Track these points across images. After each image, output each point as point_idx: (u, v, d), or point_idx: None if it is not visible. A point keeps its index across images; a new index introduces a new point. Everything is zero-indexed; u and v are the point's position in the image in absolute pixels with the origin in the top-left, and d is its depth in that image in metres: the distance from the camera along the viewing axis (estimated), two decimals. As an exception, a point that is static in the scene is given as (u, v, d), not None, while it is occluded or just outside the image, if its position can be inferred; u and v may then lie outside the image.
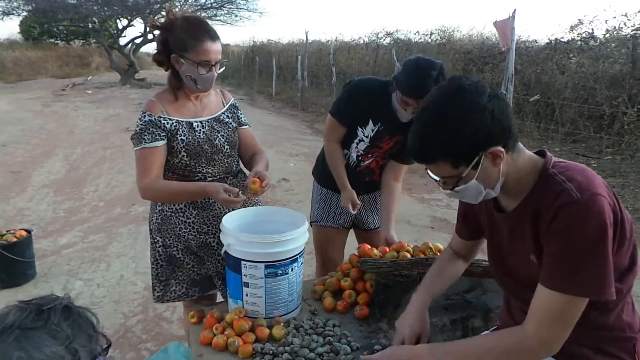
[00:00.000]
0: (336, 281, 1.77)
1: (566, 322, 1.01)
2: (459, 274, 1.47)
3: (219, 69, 1.70)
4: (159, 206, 1.81)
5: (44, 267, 3.44)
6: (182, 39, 1.62)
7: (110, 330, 2.67)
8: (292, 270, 1.57)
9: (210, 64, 1.65)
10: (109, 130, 9.01)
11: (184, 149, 1.70)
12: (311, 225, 2.24)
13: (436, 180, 1.12)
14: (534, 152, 1.13)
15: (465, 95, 1.02)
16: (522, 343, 1.04)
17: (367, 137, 2.03)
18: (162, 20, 1.69)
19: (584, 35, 8.01)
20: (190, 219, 1.79)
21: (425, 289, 1.37)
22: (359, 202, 2.08)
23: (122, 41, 21.20)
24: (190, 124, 1.73)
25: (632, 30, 7.31)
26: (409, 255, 1.77)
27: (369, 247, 1.83)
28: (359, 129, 2.02)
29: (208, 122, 1.77)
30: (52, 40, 26.61)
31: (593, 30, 7.91)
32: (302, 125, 10.06)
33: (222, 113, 1.83)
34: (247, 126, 1.94)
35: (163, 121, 1.68)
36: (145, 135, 1.66)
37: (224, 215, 1.65)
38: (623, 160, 5.91)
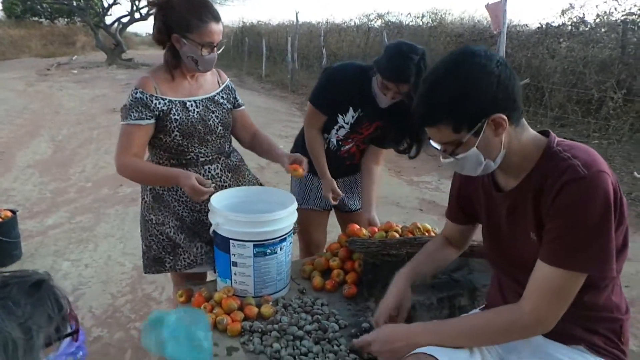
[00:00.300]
0: (325, 261, 1.78)
1: (565, 299, 1.01)
2: (449, 260, 1.46)
3: (219, 50, 1.68)
4: (150, 185, 1.80)
5: (30, 247, 3.41)
6: (185, 19, 1.58)
7: (99, 310, 2.67)
8: (280, 249, 1.58)
9: (213, 45, 1.62)
10: (96, 110, 8.87)
11: (177, 129, 1.68)
12: None
13: (437, 149, 1.11)
14: (538, 132, 1.12)
15: (474, 58, 1.02)
16: (518, 320, 1.04)
17: (347, 123, 2.01)
18: None
19: (574, 19, 8.02)
20: (183, 197, 1.77)
21: (411, 265, 1.38)
22: (340, 193, 2.08)
23: (108, 20, 20.80)
24: (184, 103, 1.70)
25: (622, 16, 7.34)
26: (397, 235, 1.78)
27: (358, 227, 1.83)
28: (340, 116, 2.00)
29: (202, 101, 1.75)
30: (36, 18, 25.98)
31: (584, 14, 7.94)
32: (292, 107, 10.00)
33: (217, 93, 1.81)
34: (243, 107, 1.92)
35: (155, 101, 1.65)
36: (132, 112, 1.63)
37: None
38: (610, 144, 5.97)
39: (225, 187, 1.80)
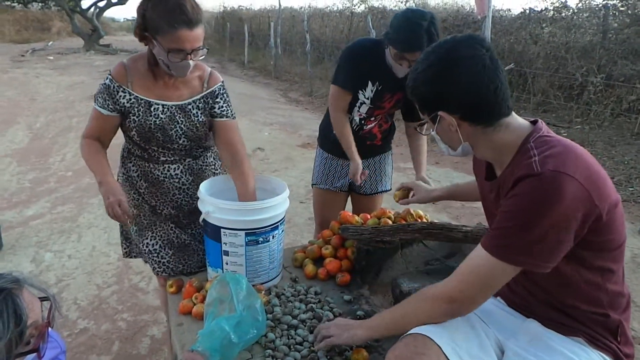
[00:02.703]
0: (317, 249, 1.76)
1: (485, 284, 1.01)
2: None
3: (199, 57, 1.51)
4: (145, 168, 1.72)
5: (10, 238, 3.32)
6: (155, 21, 1.43)
7: (84, 301, 2.61)
8: (273, 237, 1.55)
9: (185, 52, 1.46)
10: (74, 98, 8.64)
11: (135, 129, 1.61)
12: (312, 187, 2.31)
13: None
14: (530, 121, 1.09)
15: (451, 52, 1.03)
16: (438, 295, 1.07)
17: (367, 98, 2.00)
18: None
19: (557, 4, 8.06)
20: (185, 185, 1.73)
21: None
22: (366, 172, 2.05)
23: (84, 4, 20.15)
24: (149, 104, 1.59)
25: (603, 0, 7.40)
26: (390, 222, 1.77)
27: (350, 214, 1.82)
28: (360, 92, 1.99)
29: (170, 108, 1.60)
30: (8, 3, 25.03)
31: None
32: (276, 94, 9.89)
33: (191, 102, 1.63)
34: (226, 118, 1.68)
35: (121, 93, 1.57)
36: (99, 97, 1.60)
37: None
38: (591, 129, 6.05)
39: (183, 189, 1.74)
